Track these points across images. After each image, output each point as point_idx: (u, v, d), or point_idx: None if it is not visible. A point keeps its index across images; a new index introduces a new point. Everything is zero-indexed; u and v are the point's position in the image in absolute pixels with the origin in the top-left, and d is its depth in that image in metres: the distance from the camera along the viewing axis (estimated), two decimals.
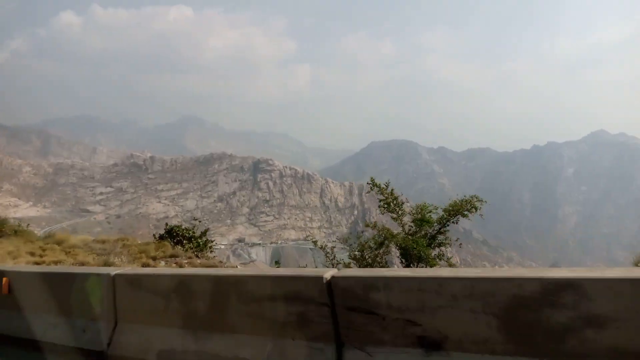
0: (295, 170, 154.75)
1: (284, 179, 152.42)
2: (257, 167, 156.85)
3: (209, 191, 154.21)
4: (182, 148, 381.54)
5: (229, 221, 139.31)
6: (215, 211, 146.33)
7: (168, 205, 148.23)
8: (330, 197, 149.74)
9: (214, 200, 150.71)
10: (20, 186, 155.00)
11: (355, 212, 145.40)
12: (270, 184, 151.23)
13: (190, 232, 13.51)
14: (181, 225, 14.42)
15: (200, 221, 17.59)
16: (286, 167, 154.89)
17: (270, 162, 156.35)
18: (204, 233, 13.74)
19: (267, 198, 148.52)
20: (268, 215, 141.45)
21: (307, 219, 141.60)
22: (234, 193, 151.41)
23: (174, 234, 13.23)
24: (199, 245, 12.88)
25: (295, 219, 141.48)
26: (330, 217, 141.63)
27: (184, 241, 12.91)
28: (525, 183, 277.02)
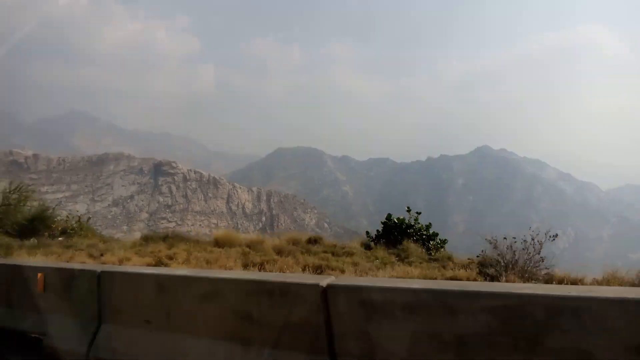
0: (201, 174, 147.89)
1: (188, 183, 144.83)
2: (159, 169, 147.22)
3: (103, 194, 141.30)
4: (70, 146, 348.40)
5: (125, 227, 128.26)
6: (110, 216, 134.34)
7: (54, 209, 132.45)
8: (238, 202, 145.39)
9: (109, 205, 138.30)
10: None
11: (264, 219, 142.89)
12: (173, 187, 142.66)
13: None
14: None
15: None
16: (191, 170, 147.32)
17: (174, 164, 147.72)
18: None
19: (169, 203, 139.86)
20: (170, 222, 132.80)
21: (213, 226, 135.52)
22: (132, 197, 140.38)
23: None
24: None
25: (200, 225, 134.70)
26: (238, 223, 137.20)
27: None
28: (419, 193, 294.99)
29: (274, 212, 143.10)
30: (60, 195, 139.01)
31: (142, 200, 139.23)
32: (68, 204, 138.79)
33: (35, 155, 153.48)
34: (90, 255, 10.73)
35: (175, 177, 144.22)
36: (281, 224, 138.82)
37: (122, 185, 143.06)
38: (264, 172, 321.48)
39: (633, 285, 6.66)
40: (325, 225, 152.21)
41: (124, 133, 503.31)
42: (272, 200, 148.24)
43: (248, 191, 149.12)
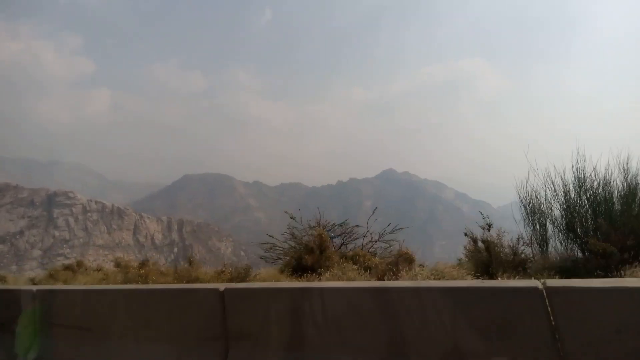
0: (103, 204, 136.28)
1: (89, 214, 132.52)
2: (53, 200, 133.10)
3: None
4: None
5: (14, 267, 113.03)
6: None
7: None
8: (146, 234, 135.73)
9: None
10: None
11: (176, 249, 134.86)
12: (71, 220, 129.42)
13: None
14: None
15: None
16: (91, 200, 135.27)
17: (71, 194, 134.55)
18: None
19: (67, 237, 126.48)
20: (68, 258, 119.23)
21: (119, 260, 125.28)
22: (22, 232, 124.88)
23: None
24: None
25: (104, 260, 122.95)
26: (147, 255, 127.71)
27: None
28: (331, 216, 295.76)
29: (186, 242, 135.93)
30: None
31: (34, 236, 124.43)
32: None
33: None
34: None
35: (74, 209, 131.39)
36: (196, 254, 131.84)
37: (10, 220, 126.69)
38: (168, 201, 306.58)
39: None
40: (242, 253, 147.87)
41: (5, 161, 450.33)
42: (184, 229, 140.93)
43: (157, 221, 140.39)
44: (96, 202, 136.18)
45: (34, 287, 4.86)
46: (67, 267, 13.44)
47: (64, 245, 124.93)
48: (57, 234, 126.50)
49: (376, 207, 13.92)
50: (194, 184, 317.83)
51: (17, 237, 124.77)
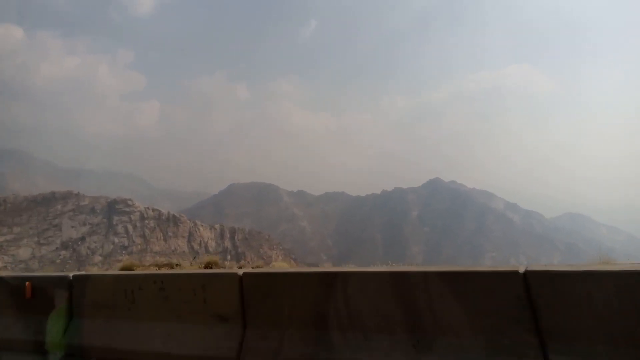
0: (159, 211, 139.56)
1: (146, 221, 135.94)
2: (113, 208, 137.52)
3: (50, 237, 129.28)
4: (0, 187, 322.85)
5: (77, 272, 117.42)
6: (59, 261, 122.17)
7: None
8: (200, 241, 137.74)
9: (57, 248, 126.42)
10: None
11: (229, 257, 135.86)
12: (130, 227, 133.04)
13: None
14: None
15: None
16: (148, 208, 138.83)
17: (129, 202, 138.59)
18: None
19: (126, 244, 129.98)
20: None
21: (175, 267, 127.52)
22: (83, 239, 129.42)
23: None
24: None
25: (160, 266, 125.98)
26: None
27: None
28: (376, 225, 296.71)
29: (239, 249, 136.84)
30: (1, 239, 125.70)
31: (95, 242, 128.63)
32: (10, 248, 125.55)
33: None
34: None
35: (132, 216, 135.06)
36: (248, 263, 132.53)
37: (72, 227, 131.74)
38: (215, 210, 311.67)
39: None
40: (292, 262, 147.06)
41: (61, 171, 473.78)
42: (236, 237, 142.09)
43: (210, 229, 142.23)
44: (153, 210, 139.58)
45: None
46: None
47: (123, 252, 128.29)
48: (116, 240, 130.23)
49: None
50: (240, 192, 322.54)
51: (79, 243, 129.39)
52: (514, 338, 2.99)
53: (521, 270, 3.11)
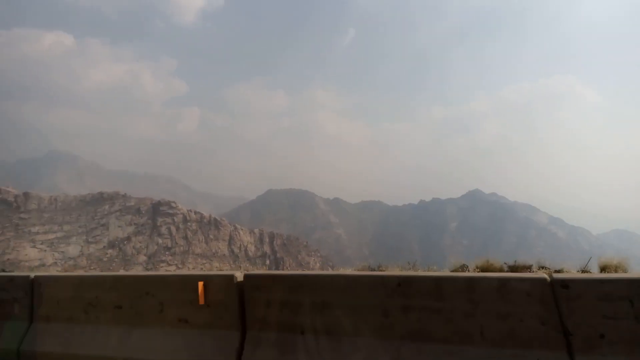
0: (201, 214, 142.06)
1: (189, 223, 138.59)
2: (157, 209, 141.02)
3: (98, 236, 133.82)
4: (51, 186, 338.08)
5: (122, 270, 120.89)
6: (105, 259, 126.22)
7: (45, 250, 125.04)
8: (240, 245, 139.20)
9: (104, 247, 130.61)
10: None
11: (268, 262, 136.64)
12: (173, 228, 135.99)
13: None
14: None
15: None
16: (191, 210, 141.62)
17: (173, 204, 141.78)
18: None
19: (169, 245, 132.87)
20: (170, 265, 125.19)
21: (215, 269, 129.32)
22: (129, 238, 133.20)
23: None
24: None
25: (202, 268, 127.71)
26: (241, 266, 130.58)
27: None
28: (413, 236, 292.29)
29: (277, 255, 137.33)
30: (52, 236, 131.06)
31: (140, 242, 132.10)
32: (60, 245, 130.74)
33: (25, 194, 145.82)
34: None
35: (175, 218, 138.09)
36: (287, 268, 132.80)
37: (118, 226, 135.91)
38: (252, 215, 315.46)
39: None
40: (330, 269, 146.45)
41: (107, 173, 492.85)
42: (275, 242, 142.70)
43: (250, 233, 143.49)
44: (195, 212, 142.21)
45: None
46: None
47: (167, 253, 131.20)
48: (160, 241, 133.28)
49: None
50: (277, 198, 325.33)
51: (125, 242, 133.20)
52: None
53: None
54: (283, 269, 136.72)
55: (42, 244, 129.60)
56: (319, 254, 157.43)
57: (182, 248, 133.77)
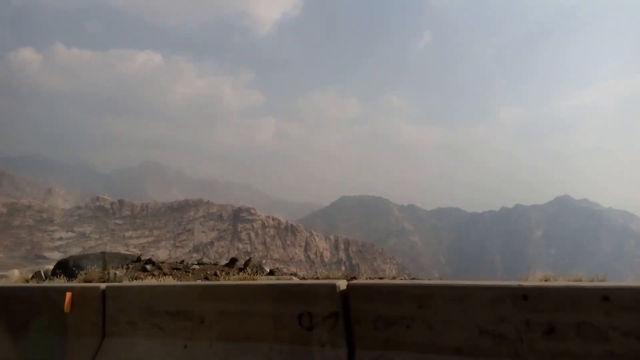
0: (279, 220, 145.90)
1: (267, 229, 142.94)
2: (237, 216, 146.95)
3: (184, 240, 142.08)
4: (142, 194, 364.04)
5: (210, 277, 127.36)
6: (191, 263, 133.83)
7: (137, 254, 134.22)
8: (316, 251, 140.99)
9: (189, 251, 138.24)
10: None
11: (343, 268, 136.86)
12: (252, 234, 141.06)
13: None
14: None
15: None
16: (269, 217, 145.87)
17: (252, 211, 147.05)
18: None
19: (249, 250, 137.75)
20: None
21: (292, 274, 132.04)
22: (212, 243, 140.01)
23: None
24: None
25: (279, 274, 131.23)
26: (317, 272, 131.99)
27: None
28: (494, 244, 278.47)
29: (353, 261, 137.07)
30: (143, 241, 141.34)
31: (222, 247, 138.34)
32: (151, 249, 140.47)
33: (120, 202, 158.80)
34: None
35: (254, 224, 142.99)
36: (362, 274, 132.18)
37: (202, 232, 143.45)
38: (326, 221, 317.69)
39: None
40: (406, 277, 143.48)
41: (191, 182, 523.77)
42: (350, 249, 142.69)
43: (325, 239, 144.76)
44: (273, 219, 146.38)
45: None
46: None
47: (247, 257, 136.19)
48: (240, 246, 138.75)
49: None
50: (350, 205, 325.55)
51: (209, 247, 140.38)
52: None
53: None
54: (359, 276, 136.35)
55: (134, 247, 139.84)
56: (394, 262, 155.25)
57: (260, 253, 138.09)
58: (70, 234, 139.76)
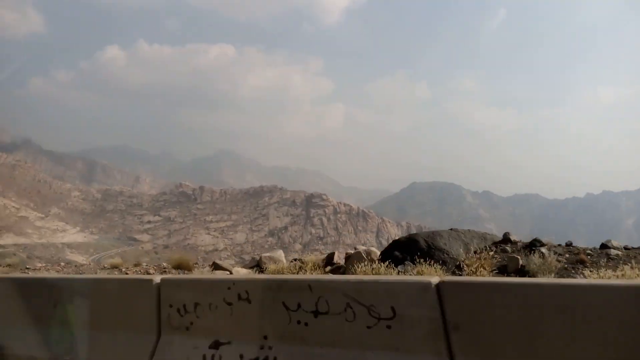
0: (350, 206, 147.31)
1: (338, 215, 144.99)
2: (310, 201, 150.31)
3: (260, 225, 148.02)
4: (219, 181, 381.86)
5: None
6: (267, 246, 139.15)
7: (217, 237, 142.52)
8: (388, 237, 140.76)
9: (265, 235, 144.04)
10: (68, 210, 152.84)
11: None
12: (324, 220, 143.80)
13: None
14: None
15: None
16: (340, 203, 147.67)
17: (324, 197, 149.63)
18: None
19: (321, 235, 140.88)
20: (322, 254, 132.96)
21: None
22: (286, 228, 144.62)
23: None
24: None
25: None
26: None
27: None
28: (579, 233, 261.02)
29: None
30: (222, 225, 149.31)
31: (296, 232, 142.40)
32: (229, 232, 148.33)
33: (201, 188, 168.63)
34: None
35: (326, 210, 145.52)
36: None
37: (277, 217, 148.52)
38: (396, 207, 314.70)
39: None
40: None
41: (264, 169, 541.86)
42: None
43: (397, 225, 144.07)
44: (344, 205, 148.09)
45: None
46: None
47: (319, 242, 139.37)
48: (313, 231, 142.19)
49: None
50: (421, 191, 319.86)
51: (283, 231, 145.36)
52: None
53: None
54: None
55: (214, 231, 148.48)
56: None
57: (332, 238, 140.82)
58: (157, 218, 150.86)
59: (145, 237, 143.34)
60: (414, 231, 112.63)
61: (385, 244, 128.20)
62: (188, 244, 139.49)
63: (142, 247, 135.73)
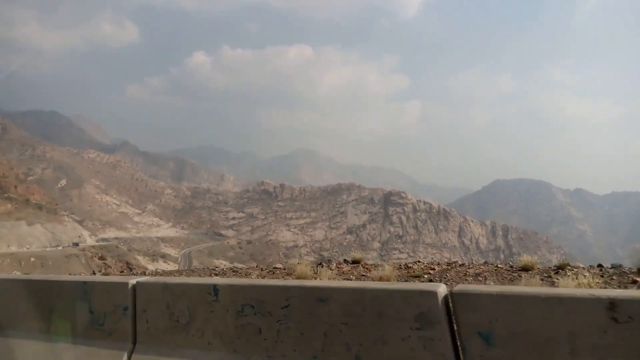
0: (430, 204, 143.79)
1: (418, 213, 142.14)
2: (388, 199, 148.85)
3: (338, 222, 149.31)
4: (297, 179, 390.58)
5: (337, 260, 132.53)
6: (345, 244, 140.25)
7: (297, 234, 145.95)
8: (471, 237, 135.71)
9: (343, 232, 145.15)
10: (161, 207, 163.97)
11: (502, 256, 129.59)
12: (403, 218, 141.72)
13: None
14: None
15: None
16: (420, 201, 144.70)
17: (403, 194, 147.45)
18: None
19: (400, 233, 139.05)
20: (402, 252, 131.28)
21: (446, 260, 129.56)
22: (364, 226, 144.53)
23: None
24: None
25: (432, 259, 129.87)
26: (472, 259, 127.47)
27: None
28: None
29: (513, 249, 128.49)
30: (302, 222, 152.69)
31: (374, 230, 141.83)
32: (309, 229, 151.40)
33: (281, 186, 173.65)
34: None
35: (405, 208, 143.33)
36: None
37: (355, 214, 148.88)
38: (477, 206, 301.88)
39: None
40: None
41: (340, 167, 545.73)
42: (509, 236, 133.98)
43: (481, 225, 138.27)
44: (424, 203, 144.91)
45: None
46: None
47: (398, 241, 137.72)
48: (392, 229, 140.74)
49: None
50: (505, 189, 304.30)
51: (361, 229, 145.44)
52: None
53: None
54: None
55: (294, 227, 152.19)
56: (562, 252, 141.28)
57: (412, 237, 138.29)
58: (241, 214, 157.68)
59: (230, 232, 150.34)
60: (499, 231, 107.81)
61: (468, 243, 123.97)
62: (270, 239, 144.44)
63: (228, 242, 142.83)
